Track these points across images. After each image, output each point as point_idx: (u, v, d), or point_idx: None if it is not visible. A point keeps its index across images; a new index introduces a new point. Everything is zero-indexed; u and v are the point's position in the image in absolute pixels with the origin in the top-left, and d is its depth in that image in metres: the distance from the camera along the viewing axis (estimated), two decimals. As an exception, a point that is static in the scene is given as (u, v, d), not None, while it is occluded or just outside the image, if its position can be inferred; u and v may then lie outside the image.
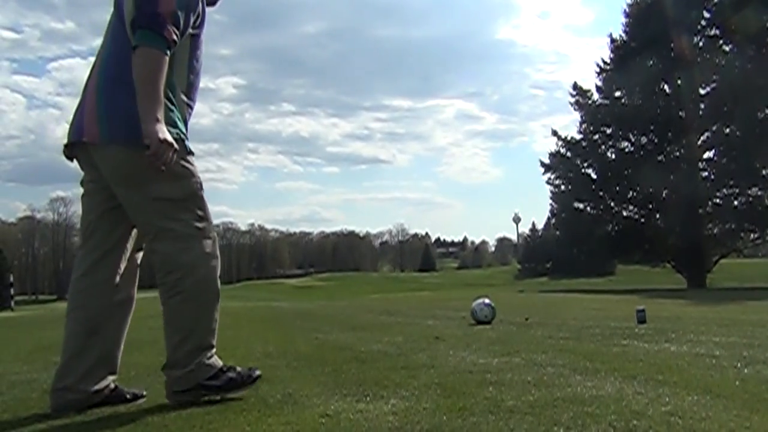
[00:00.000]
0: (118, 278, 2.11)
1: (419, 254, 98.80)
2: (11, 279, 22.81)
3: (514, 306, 7.32)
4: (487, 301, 5.03)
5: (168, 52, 1.92)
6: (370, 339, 3.90)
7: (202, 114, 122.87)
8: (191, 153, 2.08)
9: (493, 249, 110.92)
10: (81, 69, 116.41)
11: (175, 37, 1.92)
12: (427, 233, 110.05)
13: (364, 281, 60.32)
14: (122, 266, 2.12)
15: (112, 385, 2.13)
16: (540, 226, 64.90)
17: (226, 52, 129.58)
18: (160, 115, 1.88)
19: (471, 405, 1.91)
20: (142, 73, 1.88)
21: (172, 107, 2.04)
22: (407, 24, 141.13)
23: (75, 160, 2.13)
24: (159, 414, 1.99)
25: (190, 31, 2.04)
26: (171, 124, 1.99)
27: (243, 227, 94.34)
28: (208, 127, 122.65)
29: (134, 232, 2.15)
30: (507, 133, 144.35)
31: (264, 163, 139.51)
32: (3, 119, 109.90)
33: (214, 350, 2.11)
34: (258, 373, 2.17)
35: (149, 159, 1.85)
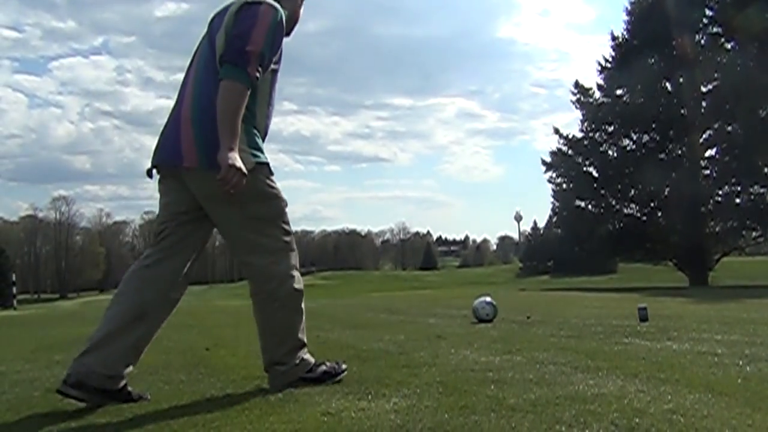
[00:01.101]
0: (177, 280, 2.25)
1: (421, 252, 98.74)
2: (14, 278, 22.85)
3: (515, 304, 7.31)
4: (488, 299, 5.03)
5: (250, 88, 2.09)
6: (371, 337, 3.91)
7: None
8: (272, 174, 2.28)
9: (494, 247, 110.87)
10: (82, 68, 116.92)
11: (257, 74, 2.10)
12: (428, 231, 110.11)
13: (366, 280, 60.28)
14: (183, 271, 2.26)
15: (126, 381, 2.17)
16: (541, 224, 64.68)
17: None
18: (235, 144, 2.05)
19: (473, 403, 1.91)
20: (225, 105, 2.05)
21: (258, 135, 2.24)
22: (408, 22, 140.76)
23: (155, 175, 2.29)
24: (161, 413, 1.99)
25: (272, 66, 2.23)
26: (260, 150, 2.22)
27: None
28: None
29: (201, 245, 2.34)
30: (508, 131, 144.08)
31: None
32: (4, 118, 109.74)
33: (306, 348, 2.34)
34: (344, 367, 2.40)
35: (219, 183, 2.02)
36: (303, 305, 2.33)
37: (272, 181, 2.25)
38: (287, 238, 2.28)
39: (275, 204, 2.26)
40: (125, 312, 2.15)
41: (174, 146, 2.16)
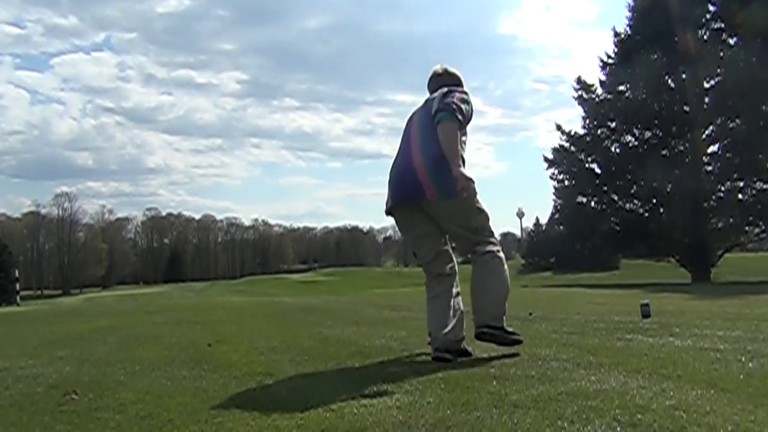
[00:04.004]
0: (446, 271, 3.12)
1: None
2: (16, 274, 22.76)
3: (517, 301, 7.30)
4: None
5: (458, 125, 2.95)
6: (373, 334, 3.91)
7: (205, 109, 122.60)
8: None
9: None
10: (84, 64, 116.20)
11: (461, 118, 2.98)
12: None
13: (368, 276, 60.35)
14: (443, 256, 3.11)
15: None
16: (544, 220, 64.27)
17: (229, 47, 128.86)
18: (460, 163, 2.89)
19: (475, 399, 1.92)
20: (445, 139, 2.92)
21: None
22: (410, 18, 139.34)
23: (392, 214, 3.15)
24: (164, 408, 2.00)
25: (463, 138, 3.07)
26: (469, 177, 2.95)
27: (247, 222, 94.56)
28: (211, 123, 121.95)
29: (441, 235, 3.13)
30: (510, 127, 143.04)
31: (267, 159, 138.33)
32: (6, 115, 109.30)
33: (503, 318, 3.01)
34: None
35: (460, 192, 2.84)
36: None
37: (479, 201, 3.05)
38: (495, 246, 3.09)
39: (484, 217, 3.07)
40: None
41: (416, 188, 2.98)
